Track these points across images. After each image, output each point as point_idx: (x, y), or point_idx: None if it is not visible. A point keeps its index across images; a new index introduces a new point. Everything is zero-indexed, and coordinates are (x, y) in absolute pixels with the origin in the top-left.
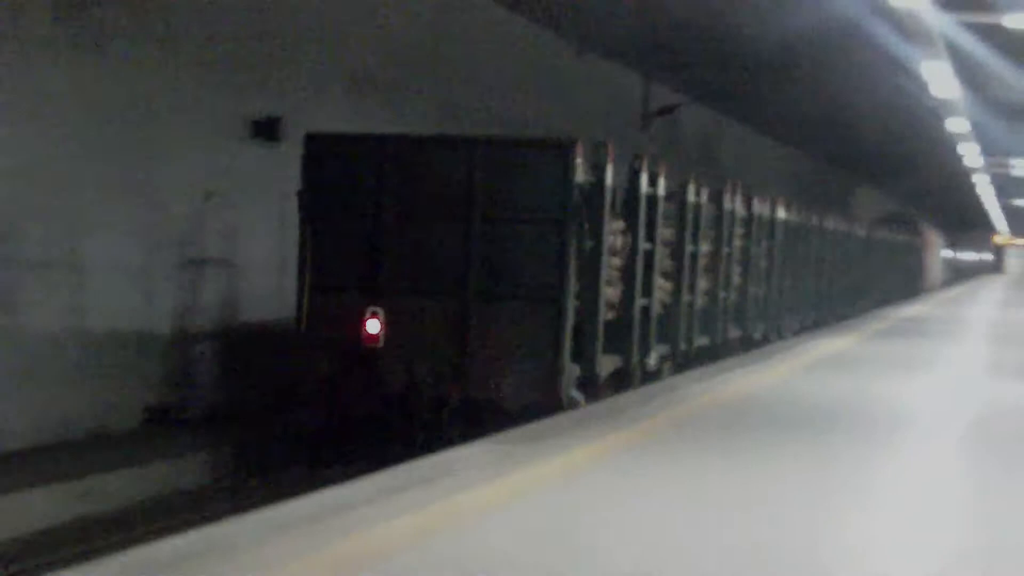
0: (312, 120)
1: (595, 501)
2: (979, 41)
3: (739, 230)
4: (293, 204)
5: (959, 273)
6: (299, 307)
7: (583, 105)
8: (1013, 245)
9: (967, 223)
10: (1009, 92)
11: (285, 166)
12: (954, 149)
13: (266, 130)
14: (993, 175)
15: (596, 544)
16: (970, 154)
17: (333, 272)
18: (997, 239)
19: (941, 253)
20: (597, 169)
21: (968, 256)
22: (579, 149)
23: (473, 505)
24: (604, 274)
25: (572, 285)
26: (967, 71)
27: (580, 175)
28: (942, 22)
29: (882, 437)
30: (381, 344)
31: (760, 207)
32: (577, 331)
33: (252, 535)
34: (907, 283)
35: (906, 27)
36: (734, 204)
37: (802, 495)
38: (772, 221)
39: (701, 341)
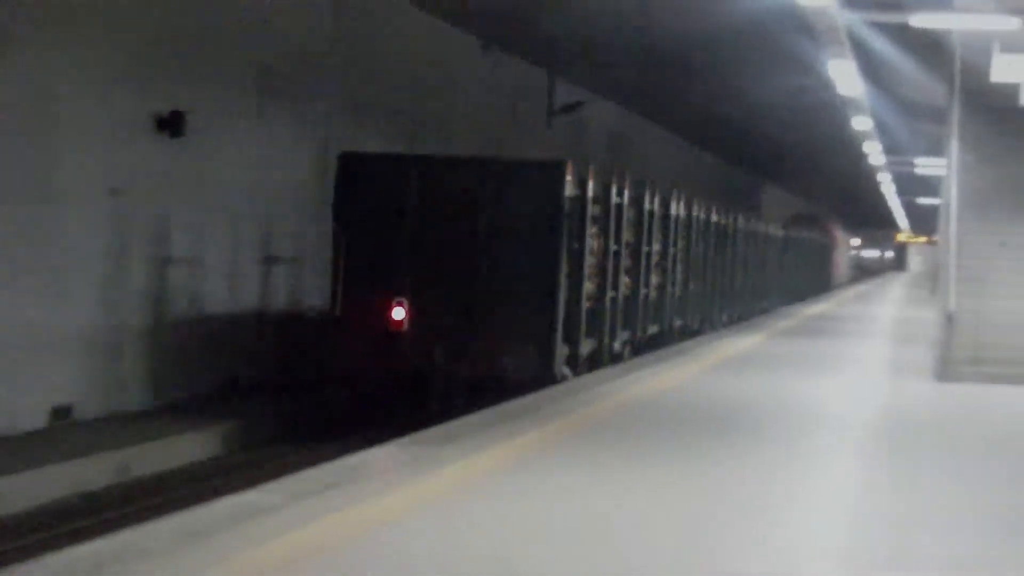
0: (216, 117)
1: (485, 513)
2: (885, 40)
3: (682, 232)
4: (204, 198)
5: (863, 271)
6: (333, 298)
7: (488, 101)
8: (915, 243)
9: (872, 222)
10: (912, 91)
11: (190, 161)
12: (859, 148)
13: (170, 125)
14: (896, 174)
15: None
16: (874, 153)
17: (363, 269)
18: (900, 237)
19: (849, 251)
20: (581, 183)
21: (872, 254)
22: (569, 168)
23: (372, 516)
24: (586, 271)
25: (563, 280)
26: (873, 70)
27: (569, 189)
28: (849, 21)
29: (773, 444)
30: (405, 328)
31: (698, 211)
32: (565, 319)
33: (166, 542)
34: (819, 280)
35: (813, 26)
36: (678, 209)
37: (682, 516)
38: (707, 224)
39: (653, 329)
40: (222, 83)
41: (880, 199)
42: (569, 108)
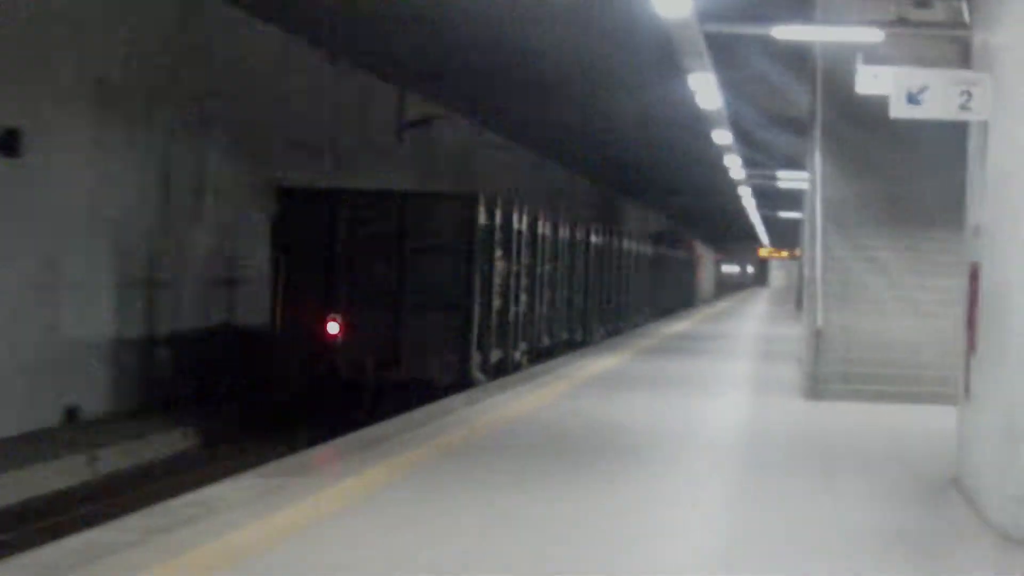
0: (55, 132)
1: (323, 553)
2: (748, 52)
3: (567, 253)
4: (43, 221)
5: (724, 287)
6: (273, 316)
7: (336, 114)
8: (777, 258)
9: (733, 236)
10: (775, 103)
11: (29, 181)
12: (720, 161)
13: (5, 144)
14: (757, 187)
15: None
16: (735, 166)
17: (300, 289)
18: (762, 252)
19: (711, 268)
20: (490, 212)
21: (732, 269)
22: (481, 199)
23: (226, 552)
24: (494, 290)
25: (476, 298)
26: (735, 82)
27: (482, 219)
28: (710, 33)
29: (639, 469)
30: (339, 342)
31: (580, 233)
32: (479, 331)
33: None
34: (684, 296)
35: (673, 39)
36: (565, 232)
37: (536, 546)
38: (587, 244)
39: (546, 341)
40: (58, 96)
41: (741, 213)
42: (418, 123)
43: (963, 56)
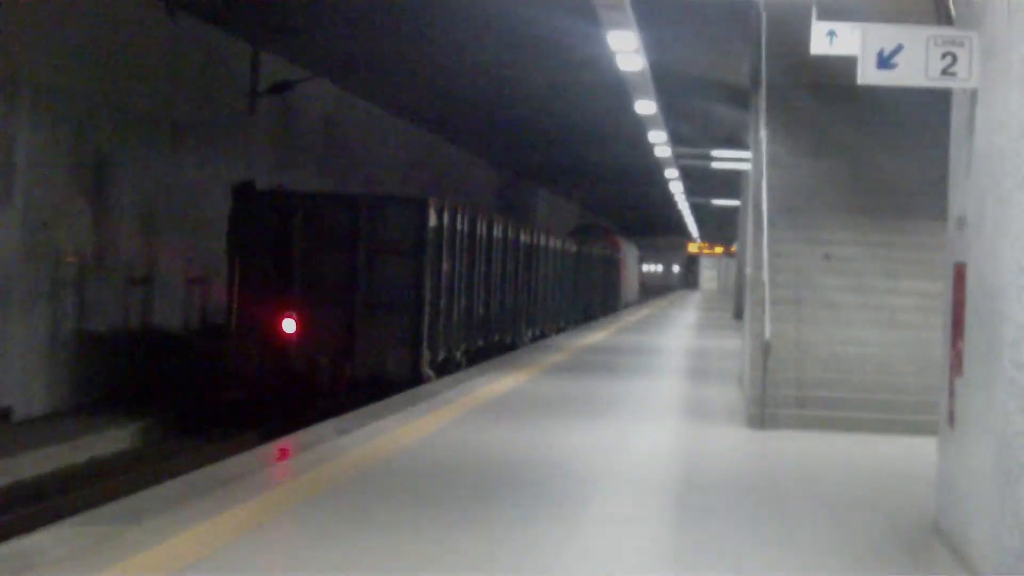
0: None
1: None
2: (676, 4)
3: (498, 253)
4: None
5: (645, 290)
6: (229, 314)
7: (177, 79)
8: (711, 255)
9: (657, 229)
10: (707, 67)
11: None
12: (643, 137)
13: None
14: (687, 169)
15: None
16: (660, 143)
17: (256, 289)
18: (692, 248)
19: (637, 267)
20: (439, 215)
21: (654, 268)
22: (432, 203)
23: None
24: (442, 290)
25: (427, 297)
26: (663, 43)
27: (432, 221)
28: None
29: (548, 519)
30: (295, 339)
31: (510, 232)
32: (429, 330)
33: None
34: (607, 299)
35: None
36: (498, 231)
37: None
38: (516, 243)
39: (479, 342)
40: None
41: (667, 201)
42: (278, 89)
43: (941, 9)
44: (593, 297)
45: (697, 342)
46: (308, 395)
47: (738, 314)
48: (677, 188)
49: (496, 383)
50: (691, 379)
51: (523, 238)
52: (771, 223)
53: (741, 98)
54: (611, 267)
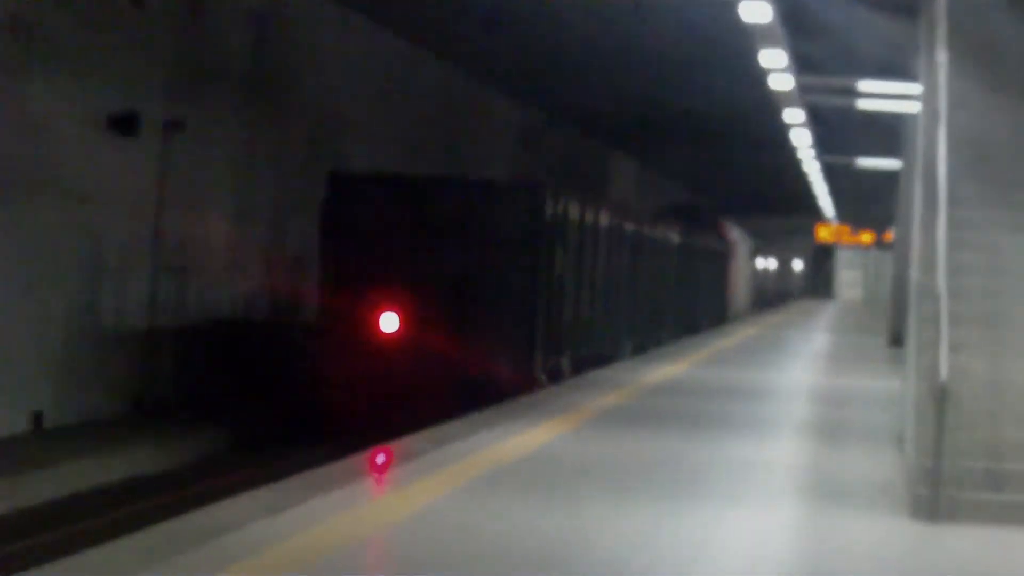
0: None
1: None
2: None
3: (609, 247)
4: None
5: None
6: (321, 311)
7: None
8: (851, 244)
9: (769, 205)
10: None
11: None
12: (752, 61)
13: None
14: (815, 109)
15: None
16: (778, 69)
17: (355, 283)
18: (823, 233)
19: (751, 263)
20: (555, 203)
21: (766, 266)
22: (548, 190)
23: None
24: (554, 289)
25: (542, 296)
26: None
27: (548, 209)
28: None
29: None
30: (396, 339)
31: (616, 220)
32: (543, 331)
33: None
34: (713, 307)
35: None
36: (606, 221)
37: None
38: (621, 234)
39: (583, 351)
40: None
41: (786, 160)
42: None
43: None
44: (698, 303)
45: (832, 382)
46: (409, 400)
47: (896, 339)
48: (802, 139)
49: (521, 441)
50: (823, 440)
51: (628, 227)
52: (953, 197)
53: (905, 4)
54: (719, 263)
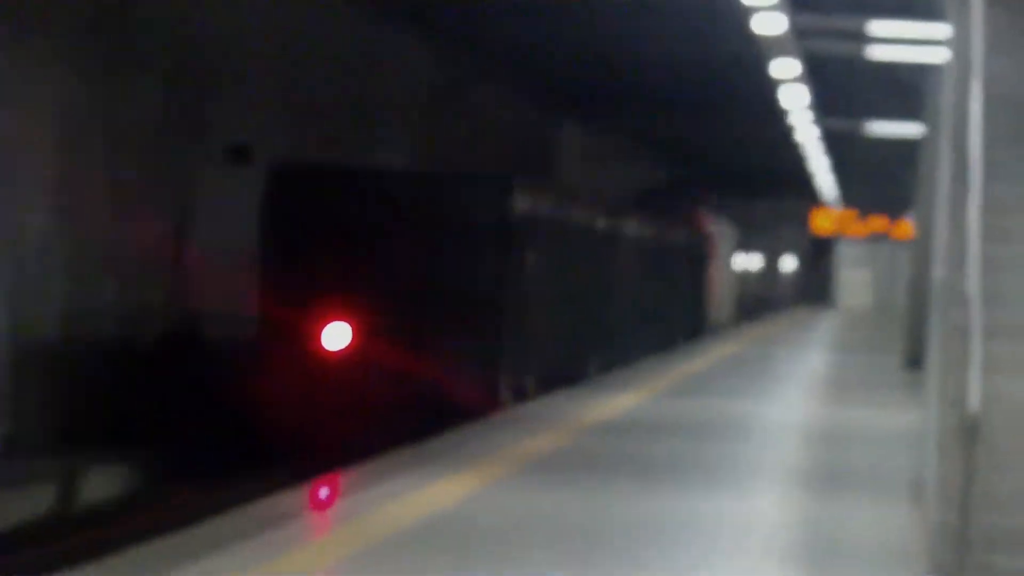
0: None
1: None
2: None
3: (577, 250)
4: None
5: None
6: (259, 322)
7: None
8: (852, 237)
9: (751, 185)
10: None
11: None
12: (746, 27)
13: None
14: (813, 58)
15: None
16: (765, 6)
17: (298, 290)
18: (820, 220)
19: (731, 263)
20: (526, 199)
21: (748, 264)
22: (518, 184)
23: None
24: (523, 297)
25: (509, 304)
26: None
27: (519, 206)
28: None
29: None
30: (344, 354)
31: (590, 216)
32: (513, 344)
33: None
34: (690, 319)
35: None
36: (580, 217)
37: None
38: (589, 231)
39: (543, 370)
40: None
41: (774, 127)
42: None
43: None
44: (674, 314)
45: (830, 414)
46: (358, 424)
47: (914, 359)
48: (796, 99)
49: (427, 493)
50: (818, 491)
51: (600, 223)
52: (989, 171)
53: None
54: (697, 264)
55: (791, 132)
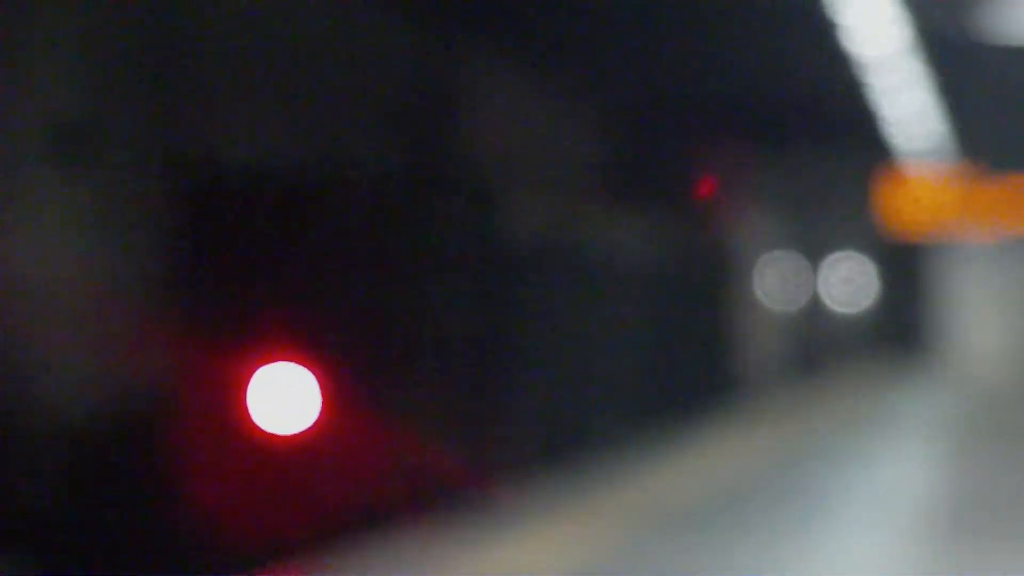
0: None
1: None
2: None
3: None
4: None
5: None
6: (169, 385)
7: None
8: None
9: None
10: None
11: None
12: None
13: None
14: None
15: None
16: None
17: (222, 335)
18: (909, 198)
19: (784, 279)
20: (519, 206)
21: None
22: (509, 189)
23: None
24: (523, 339)
25: (499, 349)
26: None
27: (509, 218)
28: None
29: None
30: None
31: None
32: (507, 405)
33: None
34: (707, 382)
35: None
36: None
37: None
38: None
39: (546, 436)
40: None
41: (822, 28)
42: None
43: None
44: (675, 370)
45: None
46: (306, 531)
47: None
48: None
49: None
50: None
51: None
52: None
53: None
54: (716, 286)
55: (847, 31)
